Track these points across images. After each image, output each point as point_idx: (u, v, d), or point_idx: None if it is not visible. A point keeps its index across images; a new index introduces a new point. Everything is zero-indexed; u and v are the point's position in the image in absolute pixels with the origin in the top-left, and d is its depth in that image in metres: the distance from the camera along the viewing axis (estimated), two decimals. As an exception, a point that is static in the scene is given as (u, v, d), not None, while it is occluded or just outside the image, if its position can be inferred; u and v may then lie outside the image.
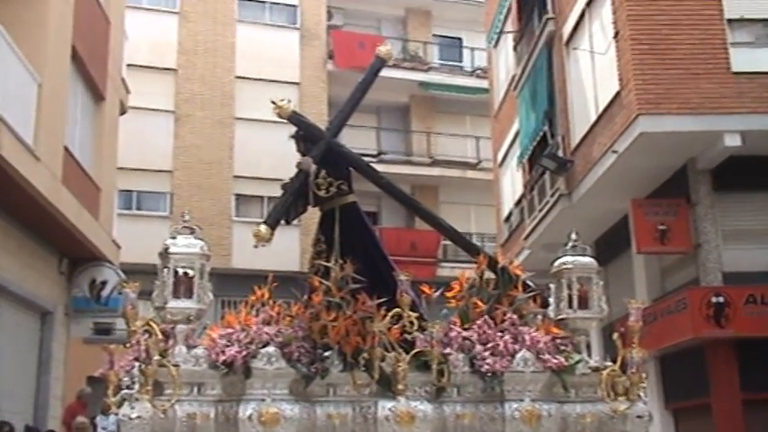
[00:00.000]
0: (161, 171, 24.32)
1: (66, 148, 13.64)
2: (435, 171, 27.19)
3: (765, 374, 12.69)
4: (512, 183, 21.27)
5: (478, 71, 27.66)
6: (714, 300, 12.71)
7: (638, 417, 5.90)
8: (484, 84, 25.36)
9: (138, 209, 24.10)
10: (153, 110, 23.91)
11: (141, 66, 23.20)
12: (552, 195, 16.49)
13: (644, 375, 5.94)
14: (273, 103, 6.83)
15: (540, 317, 6.32)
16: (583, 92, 15.56)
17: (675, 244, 13.75)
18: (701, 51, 13.09)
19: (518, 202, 20.25)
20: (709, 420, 13.08)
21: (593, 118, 14.75)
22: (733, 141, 12.69)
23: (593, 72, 14.99)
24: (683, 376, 14.09)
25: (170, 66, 25.18)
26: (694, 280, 13.63)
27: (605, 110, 14.17)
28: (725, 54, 13.07)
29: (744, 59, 13.06)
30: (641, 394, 5.93)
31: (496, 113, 22.74)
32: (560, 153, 16.26)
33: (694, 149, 13.21)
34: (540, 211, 17.27)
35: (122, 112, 18.26)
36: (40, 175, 11.89)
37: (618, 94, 13.60)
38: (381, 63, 7.30)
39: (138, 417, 5.26)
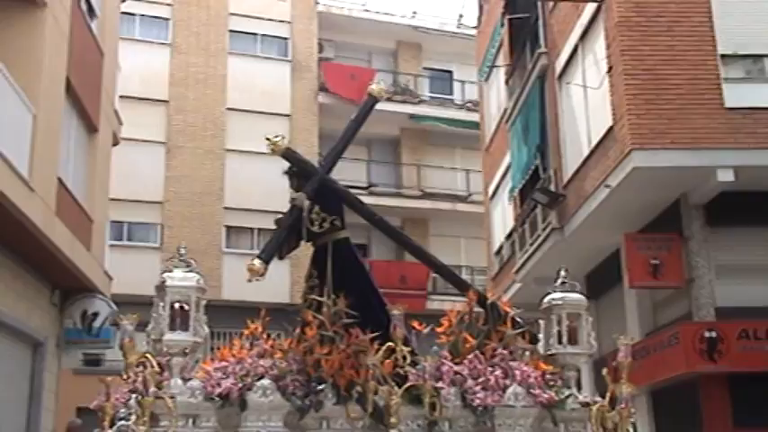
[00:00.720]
0: (152, 202, 24.35)
1: (59, 180, 13.66)
2: (425, 204, 27.30)
3: (758, 410, 12.67)
4: (503, 216, 21.34)
5: (469, 104, 27.86)
6: (707, 334, 12.72)
7: (627, 452, 5.95)
8: (474, 117, 25.53)
9: (129, 240, 24.10)
10: (144, 141, 24.00)
11: (133, 97, 23.30)
12: (544, 229, 16.55)
13: (633, 411, 5.97)
14: (268, 139, 6.90)
15: (528, 353, 6.36)
16: (575, 126, 15.66)
17: (668, 278, 13.77)
18: (695, 87, 13.17)
19: (509, 236, 20.31)
20: (701, 456, 13.09)
21: (586, 152, 14.83)
22: (726, 177, 12.75)
23: (586, 106, 15.10)
24: (676, 411, 14.09)
25: (161, 97, 25.30)
26: (687, 314, 13.66)
27: (598, 144, 14.25)
28: (718, 89, 13.15)
29: (737, 95, 13.14)
30: (630, 429, 5.96)
31: (488, 147, 22.86)
32: (552, 187, 16.33)
33: (687, 184, 13.28)
34: (532, 244, 17.32)
35: (115, 143, 18.31)
36: (34, 206, 11.89)
37: (611, 128, 13.68)
38: (374, 101, 7.41)
39: (134, 449, 5.26)
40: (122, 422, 5.72)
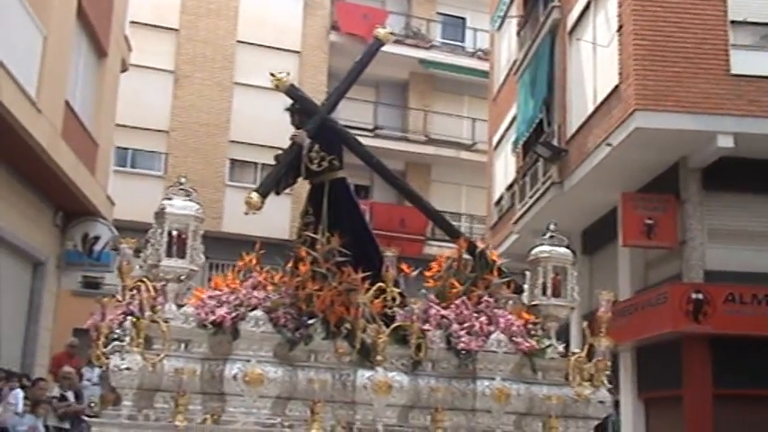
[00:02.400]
0: (158, 130, 24.39)
1: (67, 102, 13.77)
2: (430, 149, 27.28)
3: (738, 371, 13.00)
4: (505, 167, 21.45)
5: (480, 53, 27.71)
6: (694, 296, 12.99)
7: (600, 402, 6.21)
8: (484, 66, 25.43)
9: (133, 167, 24.19)
10: (153, 69, 23.91)
11: (144, 24, 23.23)
12: (544, 183, 16.69)
13: (608, 363, 6.15)
14: (272, 75, 6.96)
15: (511, 302, 6.54)
16: (582, 82, 15.72)
17: (661, 239, 13.99)
18: (702, 51, 13.26)
19: (510, 187, 20.44)
20: (679, 412, 13.43)
21: (591, 109, 14.92)
22: (726, 142, 12.91)
23: (595, 63, 15.15)
24: (658, 368, 14.40)
25: (172, 25, 25.16)
26: (677, 275, 13.89)
27: (603, 102, 14.34)
28: (725, 55, 13.25)
29: (743, 62, 13.23)
30: (605, 381, 6.16)
31: (495, 97, 22.88)
32: (555, 141, 16.43)
33: (687, 148, 13.42)
34: (531, 197, 17.47)
35: (123, 70, 18.35)
36: (40, 127, 12.03)
37: (617, 87, 13.76)
38: (379, 44, 7.46)
39: (128, 368, 5.46)
40: (116, 342, 5.87)
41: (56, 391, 11.73)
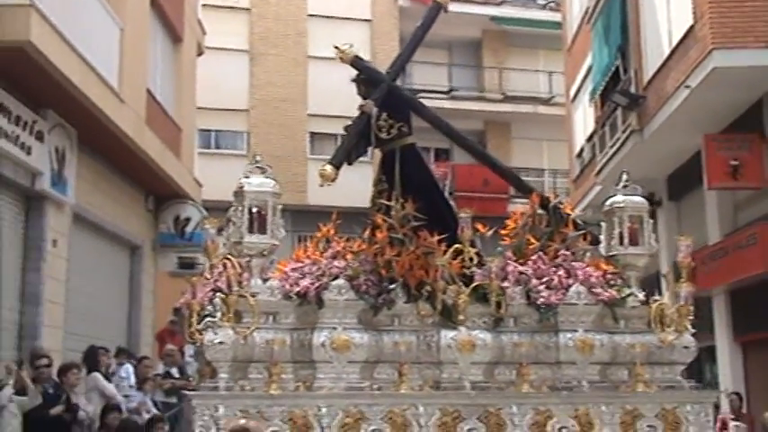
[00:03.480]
0: (237, 110, 24.81)
1: (148, 90, 14.21)
2: (507, 107, 27.08)
3: (835, 309, 12.76)
4: (584, 118, 21.22)
5: (551, 4, 27.31)
6: (785, 235, 12.74)
7: (685, 347, 6.22)
8: (557, 17, 25.07)
9: (217, 147, 24.73)
10: (228, 49, 24.25)
11: (215, 5, 23.58)
12: (624, 131, 16.47)
13: (690, 308, 6.16)
14: (336, 48, 7.09)
15: (588, 254, 6.58)
16: (656, 26, 15.42)
17: (747, 179, 13.69)
18: (779, -18, 12.90)
19: (590, 138, 20.22)
20: (776, 353, 13.26)
21: (667, 52, 14.63)
22: (809, 74, 12.58)
23: (668, 5, 14.84)
24: (753, 310, 14.17)
25: (243, 5, 25.49)
26: (766, 215, 13.63)
27: (679, 44, 14.04)
28: (804, -15, 12.86)
29: (823, -11, 12.83)
30: (688, 326, 6.17)
31: (569, 48, 22.58)
32: (633, 88, 16.18)
33: (769, 84, 13.12)
34: (612, 147, 17.27)
35: (199, 53, 18.75)
36: (125, 117, 12.47)
37: (692, 27, 13.46)
38: (438, 8, 7.48)
39: (221, 342, 5.70)
40: (209, 318, 6.10)
41: (160, 368, 12.15)
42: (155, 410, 10.87)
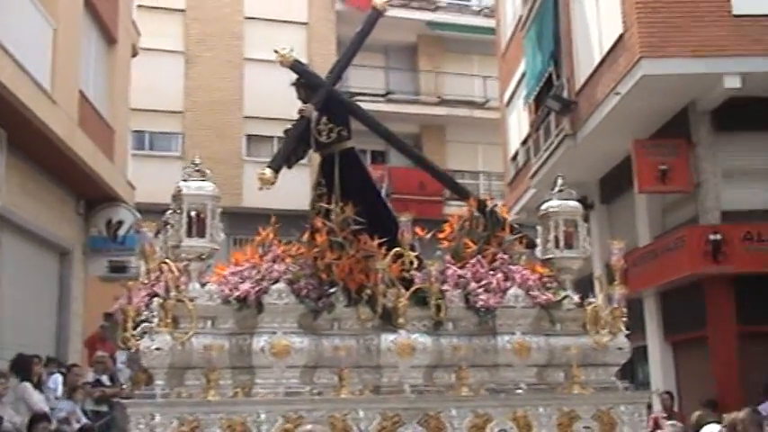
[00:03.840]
0: (172, 112, 24.59)
1: (81, 92, 13.98)
2: (443, 110, 27.35)
3: (760, 309, 13.13)
4: (518, 122, 21.51)
5: (485, 10, 27.66)
6: (712, 237, 13.09)
7: (619, 348, 6.33)
8: (491, 23, 25.39)
9: (151, 149, 24.47)
10: (163, 51, 24.04)
11: (150, 6, 23.32)
12: (557, 136, 16.77)
13: (624, 310, 6.28)
14: (276, 51, 7.03)
15: (524, 257, 6.68)
16: (587, 34, 15.74)
17: (676, 183, 14.07)
18: (704, -7, 13.27)
19: (524, 142, 20.52)
20: (705, 352, 13.59)
21: (597, 60, 14.95)
22: (733, 83, 12.93)
23: (598, 14, 15.17)
24: (682, 311, 14.55)
25: (178, 6, 25.28)
26: (694, 218, 14.00)
27: (609, 52, 14.37)
28: (726, -4, 13.26)
29: (744, 2, 13.21)
30: (622, 328, 6.30)
31: (503, 53, 22.87)
32: (565, 94, 16.50)
33: (695, 91, 13.44)
34: (546, 150, 17.56)
35: (134, 55, 18.53)
36: (57, 118, 12.25)
37: (621, 36, 13.79)
38: (377, 14, 7.50)
39: (158, 348, 5.62)
40: (145, 323, 6.01)
41: (90, 376, 11.94)
42: (85, 420, 10.69)
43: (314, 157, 7.43)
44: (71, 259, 15.10)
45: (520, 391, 6.17)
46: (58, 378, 11.23)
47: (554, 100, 16.33)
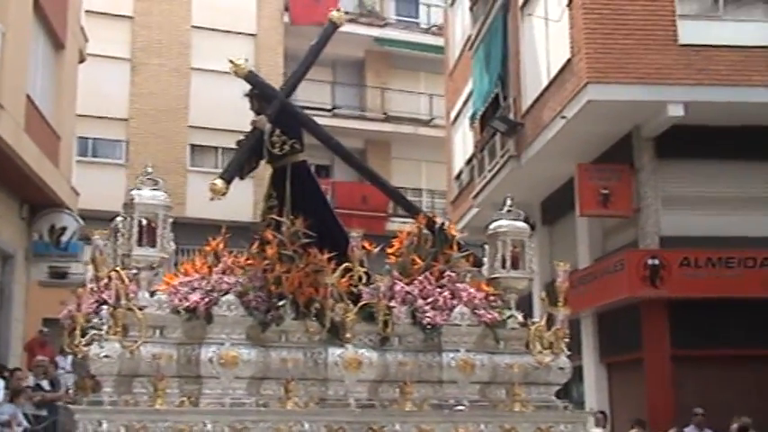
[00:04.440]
0: (117, 119, 24.35)
1: (28, 97, 13.84)
2: (388, 127, 27.47)
3: (694, 333, 13.48)
4: (463, 141, 21.73)
5: (434, 28, 27.89)
6: (650, 262, 13.42)
7: (560, 368, 6.52)
8: (440, 41, 25.61)
9: (95, 156, 24.15)
10: (109, 57, 23.79)
11: (98, 12, 23.10)
12: (502, 156, 17.01)
13: (566, 331, 6.45)
14: (231, 62, 7.06)
15: (470, 275, 6.80)
16: (536, 57, 16.01)
17: (617, 207, 14.38)
18: (651, 22, 13.62)
19: (469, 161, 20.74)
20: (640, 374, 13.89)
21: (545, 83, 15.23)
22: (676, 111, 13.33)
23: (547, 38, 15.45)
24: (618, 332, 14.86)
25: (126, 13, 25.09)
26: (634, 242, 14.30)
27: (556, 76, 14.65)
28: (673, 26, 13.63)
29: (690, 32, 13.63)
30: (564, 348, 6.47)
31: (451, 72, 23.12)
32: (511, 115, 16.75)
33: (639, 117, 13.80)
34: (490, 171, 17.79)
35: (81, 60, 18.37)
36: (3, 123, 12.10)
37: (569, 61, 14.08)
38: (333, 28, 7.62)
39: (107, 356, 5.64)
40: (94, 331, 6.00)
41: (30, 380, 11.83)
42: (26, 424, 10.61)
43: (257, 170, 7.42)
44: (13, 264, 14.91)
45: (462, 407, 6.28)
46: (0, 383, 11.09)
47: (500, 121, 16.58)
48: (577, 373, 16.05)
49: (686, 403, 12.85)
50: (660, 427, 12.80)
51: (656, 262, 13.32)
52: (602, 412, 13.86)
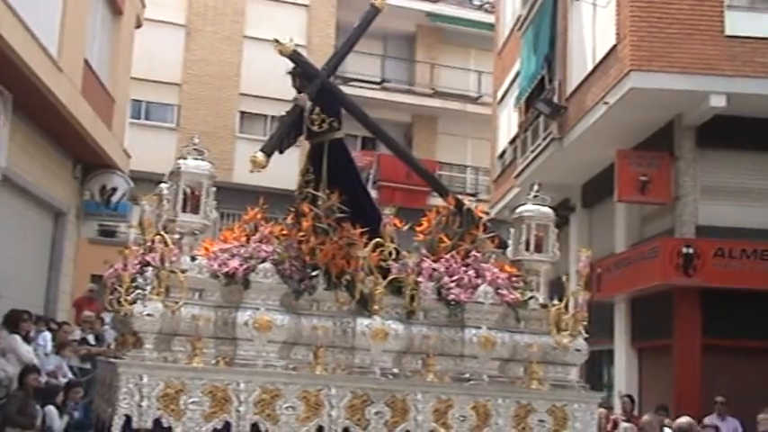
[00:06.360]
0: (170, 83, 24.85)
1: (86, 61, 14.28)
2: (436, 102, 27.64)
3: (726, 322, 13.59)
4: (508, 121, 21.87)
5: (487, 5, 27.94)
6: (684, 250, 13.53)
7: (577, 350, 6.76)
8: (491, 19, 25.68)
9: (147, 119, 24.73)
10: (165, 22, 24.25)
11: (155, -22, 23.57)
12: (545, 138, 17.15)
13: (585, 314, 6.71)
14: (276, 41, 7.30)
15: (494, 256, 7.08)
16: (582, 41, 16.09)
17: (655, 195, 14.48)
18: (698, 12, 13.62)
19: (512, 141, 20.88)
20: (670, 360, 14.05)
21: (590, 68, 15.31)
22: (718, 102, 13.34)
23: (594, 23, 15.51)
24: (651, 318, 15.01)
25: (185, -19, 25.54)
26: (670, 230, 14.41)
27: (601, 61, 14.72)
28: (720, 17, 13.61)
29: (738, 23, 13.60)
30: (582, 330, 6.73)
31: (500, 51, 23.20)
32: (556, 98, 16.85)
33: (681, 106, 13.85)
34: (533, 152, 17.94)
35: (138, 26, 18.80)
36: (61, 85, 12.53)
37: (614, 47, 14.15)
38: (375, 12, 7.78)
39: (150, 314, 6.00)
40: (139, 291, 6.30)
41: (77, 334, 12.33)
42: (71, 375, 11.12)
43: (302, 140, 7.64)
44: (65, 221, 15.43)
45: (482, 381, 6.57)
46: (47, 335, 11.62)
47: (544, 103, 16.71)
48: (609, 356, 16.30)
49: (713, 392, 13.00)
50: (685, 414, 12.97)
51: (691, 251, 13.43)
52: (630, 396, 14.03)
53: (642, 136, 14.91)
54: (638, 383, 15.54)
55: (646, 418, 11.64)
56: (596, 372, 16.81)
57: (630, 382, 15.47)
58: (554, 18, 17.41)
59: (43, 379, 10.14)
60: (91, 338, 12.28)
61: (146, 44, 21.40)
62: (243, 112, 25.53)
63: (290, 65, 7.48)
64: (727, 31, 13.53)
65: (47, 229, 15.04)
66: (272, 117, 24.15)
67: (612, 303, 15.99)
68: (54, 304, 14.87)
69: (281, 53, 7.34)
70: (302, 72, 7.44)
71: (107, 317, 12.96)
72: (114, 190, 16.33)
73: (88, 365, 11.56)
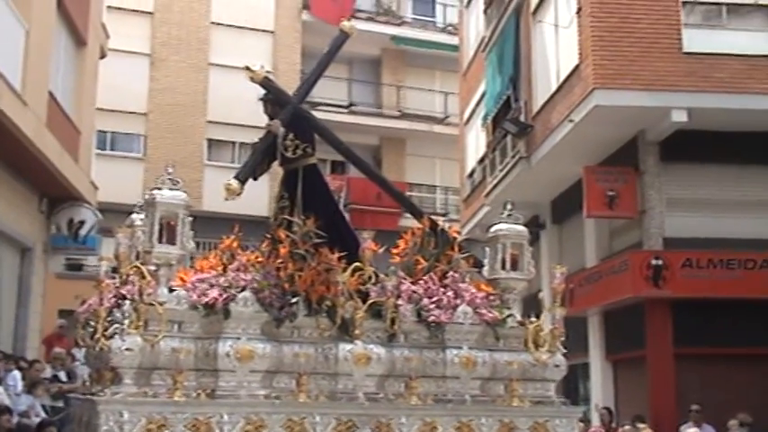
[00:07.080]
0: (135, 113, 24.76)
1: (50, 93, 14.20)
2: (404, 124, 27.78)
3: (696, 332, 13.78)
4: (476, 140, 22.00)
5: (450, 27, 28.14)
6: (654, 262, 13.72)
7: (556, 365, 6.84)
8: (454, 40, 25.89)
9: (113, 149, 24.61)
10: (129, 52, 24.20)
11: (119, 8, 23.52)
12: (513, 157, 17.31)
13: (562, 330, 6.79)
14: (248, 68, 7.30)
15: (469, 275, 7.13)
16: (546, 61, 16.31)
17: (622, 209, 14.69)
18: (657, 31, 13.93)
19: (481, 160, 21.02)
20: (644, 371, 14.21)
21: (554, 87, 15.52)
22: (680, 117, 13.63)
23: (557, 43, 15.75)
24: (624, 331, 15.17)
25: (146, 9, 25.49)
26: (638, 243, 14.61)
27: (565, 81, 14.95)
28: (678, 35, 13.93)
29: (695, 40, 13.93)
30: (560, 346, 6.81)
31: (465, 72, 23.38)
32: (522, 117, 17.03)
33: (644, 122, 14.10)
34: (501, 170, 18.09)
35: (102, 56, 18.74)
36: (26, 119, 12.43)
37: (577, 66, 14.37)
38: (345, 37, 7.88)
39: (129, 348, 5.95)
40: (116, 324, 6.26)
41: (48, 372, 12.15)
42: (43, 414, 10.93)
43: (274, 166, 7.68)
44: (32, 256, 15.25)
45: (465, 401, 6.61)
46: (17, 375, 11.43)
47: (511, 122, 16.87)
48: (585, 370, 16.41)
49: (688, 400, 13.16)
50: (662, 423, 13.13)
51: (660, 262, 13.63)
52: (608, 408, 14.17)
53: (607, 152, 15.11)
54: (614, 395, 15.68)
55: (626, 428, 11.76)
56: (572, 386, 16.90)
57: (606, 395, 15.60)
58: (517, 39, 17.61)
59: (15, 419, 9.96)
60: (62, 375, 12.12)
61: (110, 74, 21.35)
62: (210, 140, 25.50)
63: (259, 91, 7.53)
64: (685, 48, 13.84)
65: (13, 265, 14.86)
66: (241, 144, 24.18)
67: (586, 317, 16.12)
68: (23, 342, 14.65)
69: (253, 80, 7.36)
70: (274, 98, 7.47)
71: (78, 353, 12.82)
72: (82, 223, 16.18)
73: (60, 404, 11.37)
